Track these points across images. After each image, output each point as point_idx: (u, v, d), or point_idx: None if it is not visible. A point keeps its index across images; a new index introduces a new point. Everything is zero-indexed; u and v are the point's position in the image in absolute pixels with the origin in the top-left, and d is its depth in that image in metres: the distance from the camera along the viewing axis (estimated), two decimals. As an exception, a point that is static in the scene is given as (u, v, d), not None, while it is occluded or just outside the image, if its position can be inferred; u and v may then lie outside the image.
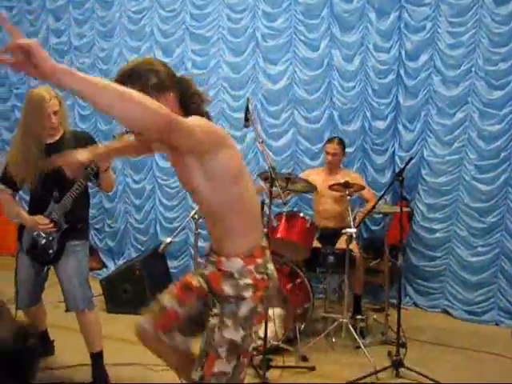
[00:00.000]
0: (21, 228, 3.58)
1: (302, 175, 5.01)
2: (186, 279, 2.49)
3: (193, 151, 2.09)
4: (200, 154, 2.10)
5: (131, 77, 2.10)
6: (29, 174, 3.40)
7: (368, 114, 5.36)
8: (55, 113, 3.38)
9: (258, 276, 2.26)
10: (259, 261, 2.28)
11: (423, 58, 5.10)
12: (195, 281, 2.44)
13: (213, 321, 2.27)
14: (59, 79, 1.59)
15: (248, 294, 2.24)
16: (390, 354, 4.03)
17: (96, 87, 1.66)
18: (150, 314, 2.47)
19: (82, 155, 2.77)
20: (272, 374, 3.79)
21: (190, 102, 2.25)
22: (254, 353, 3.97)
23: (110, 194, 6.01)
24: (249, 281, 2.24)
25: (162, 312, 2.44)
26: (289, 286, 4.43)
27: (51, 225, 3.44)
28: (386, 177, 5.36)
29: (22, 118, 3.44)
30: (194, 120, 2.06)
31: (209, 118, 2.28)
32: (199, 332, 2.41)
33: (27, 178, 3.42)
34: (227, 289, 2.25)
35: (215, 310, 2.29)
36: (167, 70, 2.23)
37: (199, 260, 5.05)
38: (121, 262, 6.22)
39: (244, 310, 2.24)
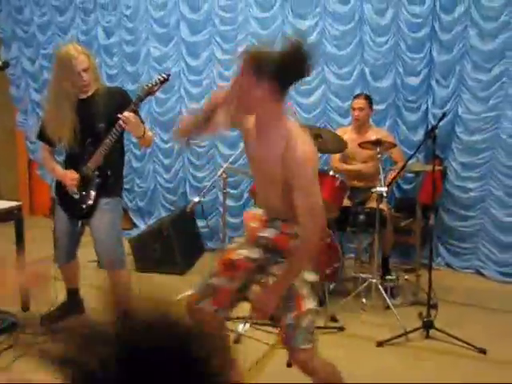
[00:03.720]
0: (58, 182, 3.65)
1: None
2: (228, 257, 2.70)
3: None
4: None
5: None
6: (64, 132, 3.48)
7: (400, 70, 5.17)
8: (85, 70, 3.43)
9: None
10: None
11: (459, 9, 4.87)
12: (236, 256, 2.68)
13: None
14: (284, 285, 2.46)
15: None
16: (420, 315, 3.96)
17: (296, 272, 2.47)
18: (202, 294, 2.67)
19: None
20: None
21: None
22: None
23: (138, 153, 6.06)
24: None
25: (215, 291, 2.66)
26: (318, 245, 4.38)
27: (77, 180, 3.49)
28: (419, 134, 5.20)
29: (53, 77, 3.54)
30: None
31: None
32: (243, 301, 2.75)
33: (62, 135, 3.50)
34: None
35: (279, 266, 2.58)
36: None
37: (228, 219, 5.08)
38: (151, 221, 6.24)
39: None
